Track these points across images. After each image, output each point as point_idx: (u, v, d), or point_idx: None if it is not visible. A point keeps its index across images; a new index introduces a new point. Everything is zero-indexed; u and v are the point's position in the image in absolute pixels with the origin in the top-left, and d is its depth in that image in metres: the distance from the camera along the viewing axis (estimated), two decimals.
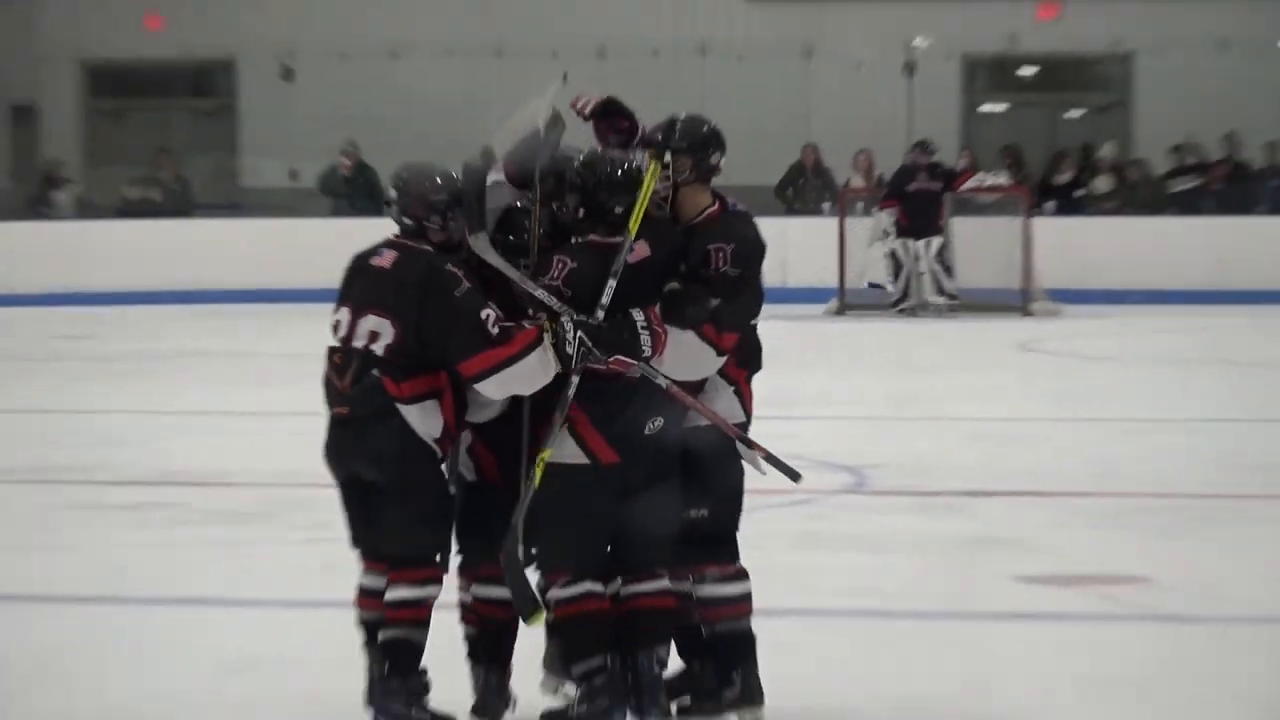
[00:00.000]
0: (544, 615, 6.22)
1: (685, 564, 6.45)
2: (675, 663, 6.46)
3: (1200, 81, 26.46)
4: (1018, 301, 22.41)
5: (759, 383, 6.60)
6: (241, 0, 28.20)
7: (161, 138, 28.04)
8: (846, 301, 22.87)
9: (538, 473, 6.18)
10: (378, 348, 6.17)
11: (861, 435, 13.51)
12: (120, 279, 24.31)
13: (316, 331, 6.29)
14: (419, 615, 6.28)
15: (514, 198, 6.39)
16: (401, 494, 6.24)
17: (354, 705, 6.37)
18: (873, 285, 22.77)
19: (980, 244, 22.76)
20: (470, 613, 6.48)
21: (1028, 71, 28.62)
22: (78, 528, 10.42)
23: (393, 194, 6.32)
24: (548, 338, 6.09)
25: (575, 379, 6.12)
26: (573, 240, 6.33)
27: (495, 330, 6.08)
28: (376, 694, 6.27)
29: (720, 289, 6.27)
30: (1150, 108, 27.44)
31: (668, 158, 6.34)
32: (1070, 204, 25.04)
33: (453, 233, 6.29)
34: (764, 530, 7.95)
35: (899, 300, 22.55)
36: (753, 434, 6.46)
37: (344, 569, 6.50)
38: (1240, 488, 11.48)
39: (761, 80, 26.57)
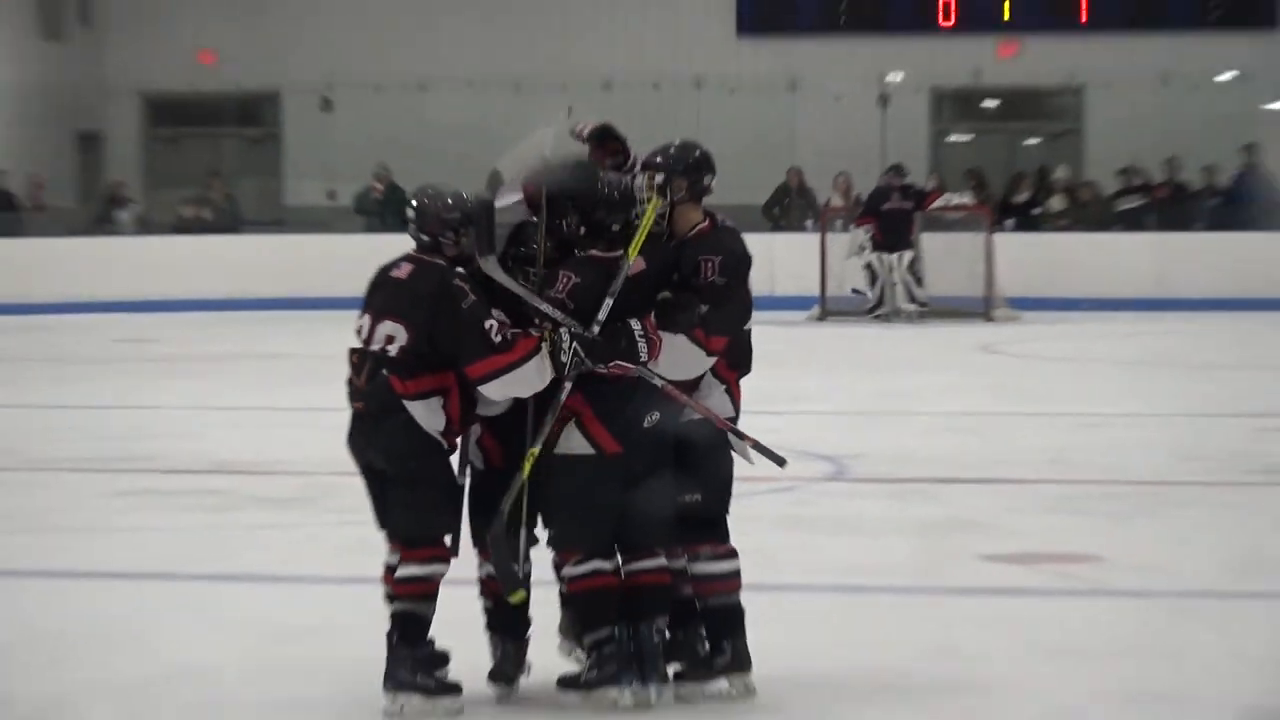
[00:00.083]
0: (525, 594, 6.27)
1: (681, 544, 6.47)
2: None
3: (1144, 112, 26.47)
4: (981, 308, 22.40)
5: (748, 380, 6.61)
6: (285, 38, 28.21)
7: (213, 162, 28.04)
8: (827, 309, 22.87)
9: (526, 466, 6.22)
10: (391, 349, 6.22)
11: (841, 429, 13.50)
12: (176, 289, 24.32)
13: (350, 336, 6.30)
14: (425, 590, 6.29)
15: (525, 214, 6.40)
16: (408, 481, 6.28)
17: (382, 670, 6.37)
18: (855, 291, 22.74)
19: (947, 257, 22.76)
20: (486, 586, 6.48)
21: (990, 103, 28.62)
22: (137, 512, 10.41)
23: (411, 213, 6.34)
24: (545, 347, 6.15)
25: (568, 385, 6.17)
26: (575, 254, 6.34)
27: (499, 338, 6.14)
28: (387, 661, 6.28)
29: (709, 297, 6.31)
30: (1099, 135, 27.44)
31: (659, 179, 6.36)
32: (1028, 221, 25.03)
33: (464, 248, 6.32)
34: (753, 514, 7.94)
35: (874, 307, 22.56)
36: (741, 426, 6.47)
37: (374, 548, 6.50)
38: (1182, 476, 11.46)
39: (750, 110, 26.57)
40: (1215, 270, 23.87)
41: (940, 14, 27.55)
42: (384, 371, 6.25)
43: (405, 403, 6.22)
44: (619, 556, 6.39)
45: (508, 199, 6.39)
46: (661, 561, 6.45)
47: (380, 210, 24.71)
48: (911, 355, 19.41)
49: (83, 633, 7.68)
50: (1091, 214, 25.46)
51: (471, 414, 6.33)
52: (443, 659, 6.34)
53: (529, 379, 6.15)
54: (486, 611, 6.49)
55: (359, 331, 6.30)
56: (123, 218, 26.48)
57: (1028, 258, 23.41)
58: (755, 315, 6.56)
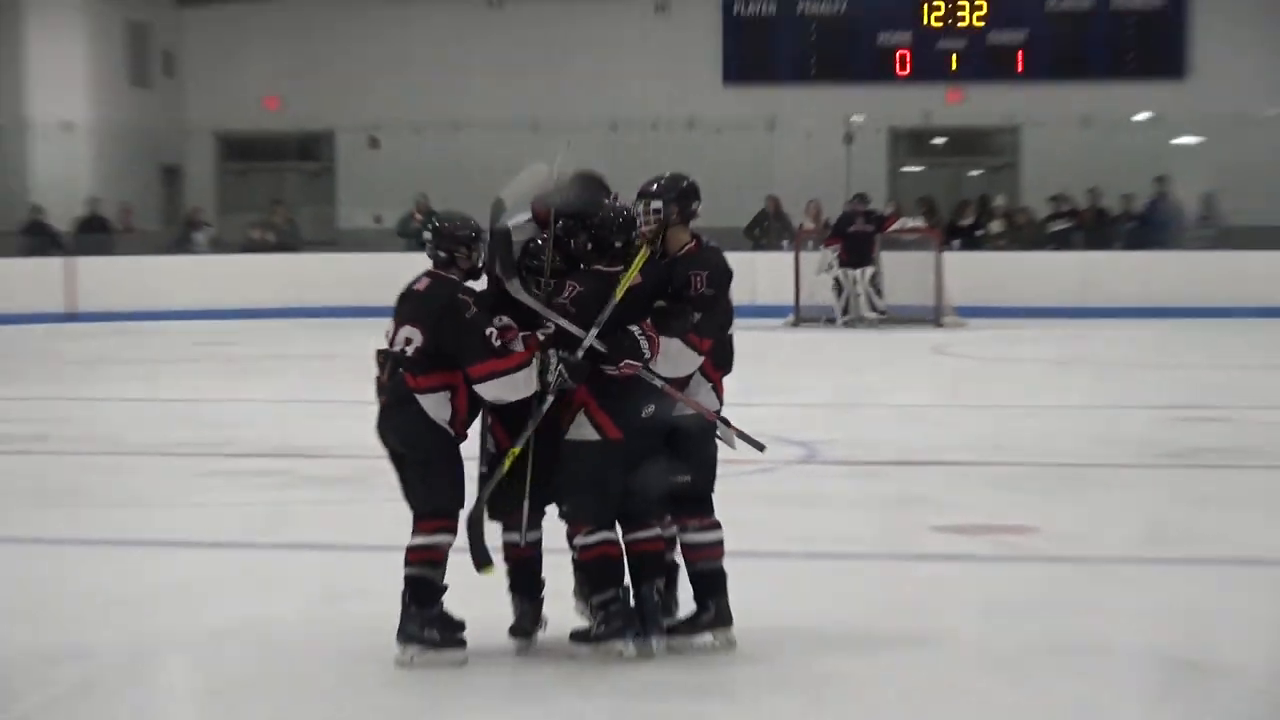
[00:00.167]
0: (494, 570, 6.28)
1: (673, 517, 6.48)
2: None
3: (1071, 148, 26.44)
4: (932, 316, 22.37)
5: (734, 377, 6.64)
6: (339, 86, 28.21)
7: (276, 192, 28.04)
8: (801, 316, 22.84)
9: (506, 463, 6.28)
10: (409, 350, 6.29)
11: (812, 418, 13.48)
12: (245, 299, 24.32)
13: (383, 340, 6.35)
14: (432, 557, 6.32)
15: (536, 233, 6.44)
16: (419, 463, 6.34)
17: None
18: (828, 320, 22.70)
19: (903, 272, 22.76)
20: (508, 552, 6.49)
21: (939, 141, 28.60)
22: (212, 490, 10.41)
23: (429, 235, 6.41)
24: (536, 362, 6.18)
25: (550, 398, 6.22)
26: (581, 268, 6.39)
27: (498, 344, 6.20)
28: (400, 618, 6.31)
29: (699, 305, 6.37)
30: (1032, 168, 27.42)
31: (657, 204, 6.40)
32: (971, 242, 25.01)
33: (475, 261, 6.40)
34: (735, 491, 7.93)
35: (837, 316, 22.53)
36: (726, 417, 6.48)
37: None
38: (1104, 458, 11.45)
39: (734, 147, 26.54)
40: (1132, 283, 23.86)
41: (897, 65, 27.54)
42: (401, 369, 6.31)
43: (417, 396, 6.29)
44: (620, 528, 6.41)
45: (520, 219, 6.45)
46: (657, 531, 6.49)
47: (419, 234, 24.72)
48: (872, 356, 19.41)
49: (165, 592, 7.73)
50: (1026, 235, 25.46)
51: (477, 408, 6.35)
52: (454, 621, 6.35)
53: (517, 385, 6.20)
54: (508, 574, 6.50)
55: (386, 335, 6.37)
56: (199, 239, 26.49)
57: (971, 273, 23.40)
58: (738, 322, 6.63)
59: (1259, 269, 23.76)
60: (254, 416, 14.00)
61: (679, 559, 6.57)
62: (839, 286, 22.65)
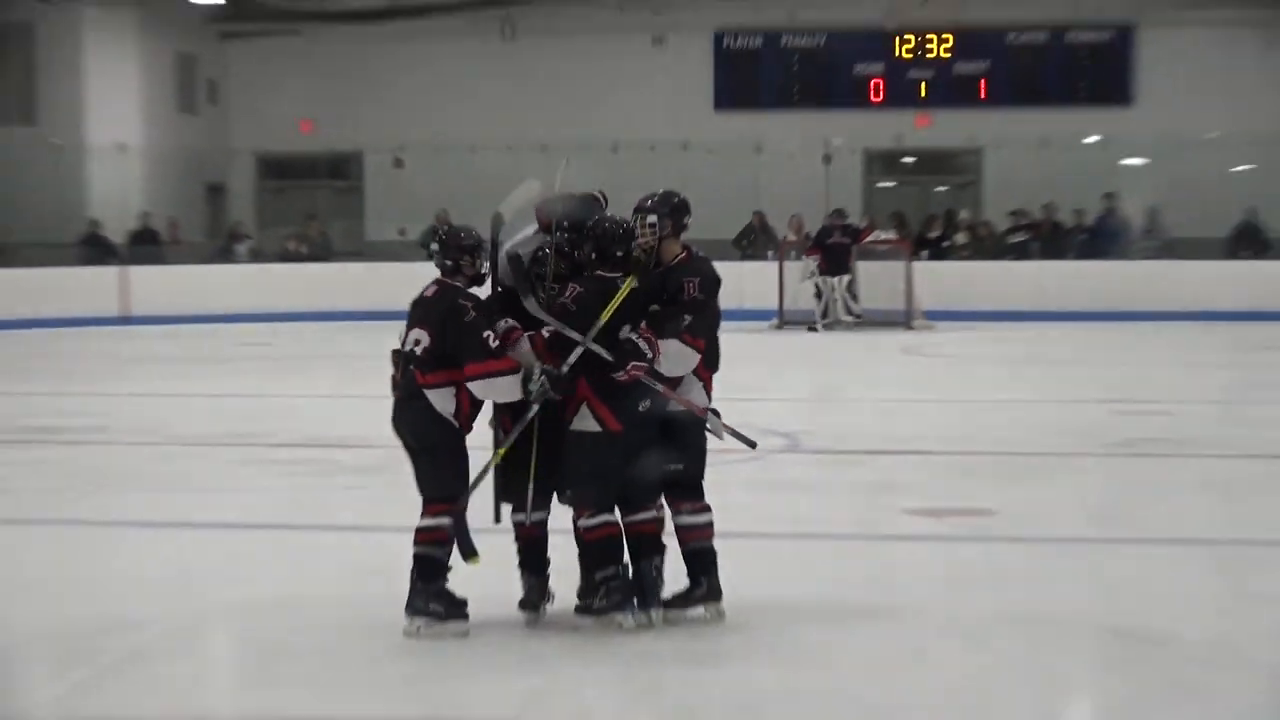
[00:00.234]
0: (479, 561, 6.26)
1: (667, 502, 6.50)
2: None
3: (1029, 167, 26.41)
4: (903, 320, 22.34)
5: (725, 374, 6.66)
6: (366, 112, 28.19)
7: (310, 207, 28.02)
8: (784, 319, 22.82)
9: (491, 464, 6.29)
10: (418, 350, 6.31)
11: (795, 412, 13.49)
12: (282, 304, 24.29)
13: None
14: (437, 538, 6.33)
15: (543, 242, 6.46)
16: (427, 453, 6.37)
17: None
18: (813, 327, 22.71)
19: (877, 280, 22.72)
20: (518, 532, 6.50)
21: (909, 160, 28.58)
22: (253, 477, 10.40)
23: (435, 246, 6.44)
24: (524, 371, 6.20)
25: (535, 407, 6.24)
26: (584, 273, 6.41)
27: (494, 347, 6.23)
28: (409, 593, 6.33)
29: (692, 309, 6.38)
30: (994, 185, 27.41)
31: (652, 218, 6.42)
32: (939, 252, 24.98)
33: (479, 269, 6.43)
34: (725, 478, 7.93)
35: (819, 319, 22.50)
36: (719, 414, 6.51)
37: None
38: (1056, 448, 11.44)
39: (725, 166, 26.52)
40: (1083, 289, 23.84)
41: (871, 92, 27.53)
42: (411, 367, 6.33)
43: (425, 392, 6.31)
44: (619, 511, 6.41)
45: (527, 231, 6.50)
46: (654, 513, 6.49)
47: None
48: (849, 356, 19.40)
49: (208, 569, 7.74)
50: (988, 246, 25.43)
51: (481, 403, 6.38)
52: (456, 598, 6.35)
53: (504, 389, 6.22)
54: (518, 552, 6.51)
55: (400, 337, 6.41)
56: (240, 250, 26.47)
57: (939, 280, 23.37)
58: (727, 325, 6.65)
59: (1197, 276, 23.76)
60: (290, 410, 14.00)
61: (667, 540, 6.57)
62: (819, 293, 22.63)
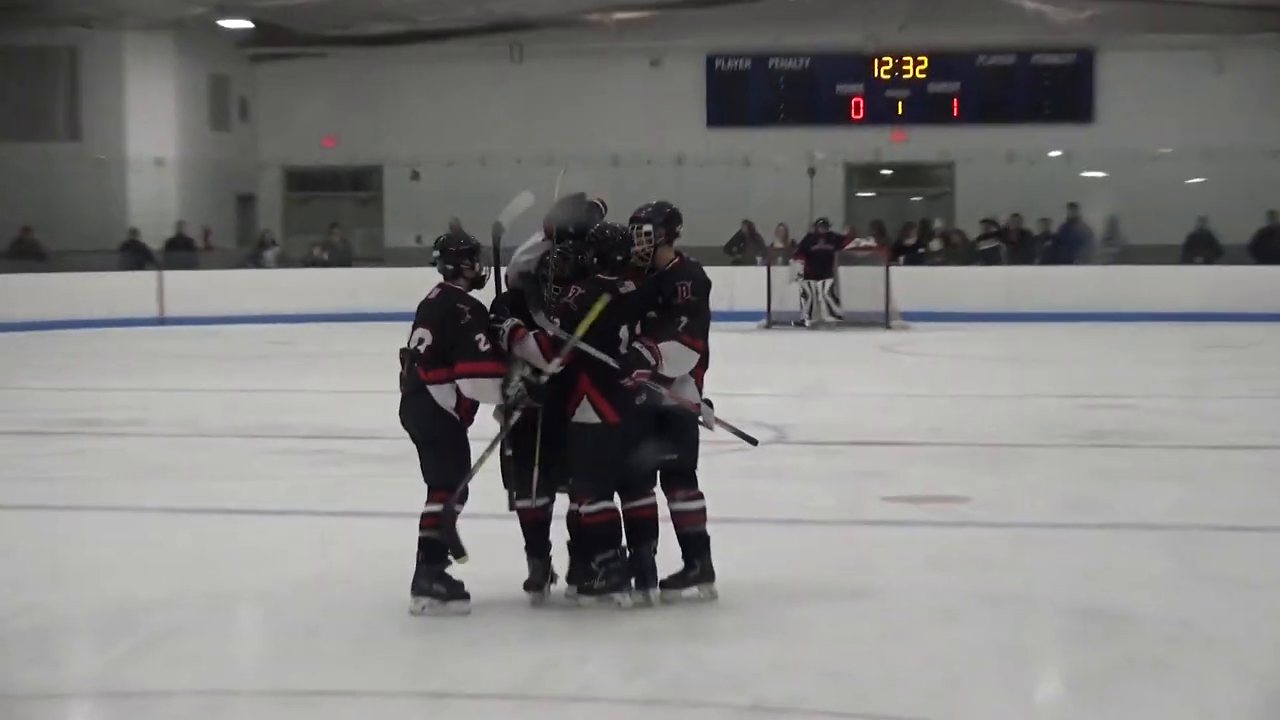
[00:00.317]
0: (469, 559, 6.24)
1: (663, 489, 6.47)
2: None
3: (997, 179, 26.36)
4: (882, 320, 22.27)
5: (717, 372, 6.64)
6: (386, 128, 28.12)
7: (333, 216, 27.91)
8: (772, 320, 22.76)
9: (477, 466, 6.27)
10: (421, 348, 6.31)
11: (782, 406, 13.44)
12: (306, 306, 24.20)
13: None
14: (437, 523, 6.28)
15: (549, 249, 6.42)
16: (429, 444, 6.36)
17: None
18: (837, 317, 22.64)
19: (857, 283, 22.67)
20: (523, 516, 6.46)
21: (887, 173, 28.53)
22: (280, 466, 10.38)
23: (436, 253, 6.43)
24: (508, 377, 6.20)
25: (517, 413, 6.23)
26: (586, 276, 6.37)
27: (483, 350, 6.21)
28: (415, 574, 6.31)
29: (687, 310, 6.37)
30: (965, 196, 27.33)
31: (648, 227, 6.41)
32: (915, 258, 24.91)
33: (478, 271, 6.42)
34: (717, 467, 7.87)
35: (804, 319, 22.47)
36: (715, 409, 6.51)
37: None
38: (1026, 439, 11.41)
39: (716, 179, 26.49)
40: (1049, 292, 23.79)
41: (852, 110, 27.45)
42: (416, 364, 6.31)
43: (428, 387, 6.30)
44: (618, 498, 6.37)
45: (535, 239, 6.47)
46: (651, 500, 6.46)
47: None
48: (832, 353, 19.36)
49: (237, 552, 7.70)
50: (960, 252, 25.38)
51: None
52: (456, 581, 6.31)
53: (486, 390, 6.23)
54: (524, 536, 6.48)
55: (408, 336, 6.39)
56: (268, 256, 26.42)
57: (915, 284, 23.30)
58: (718, 325, 6.66)
59: (1154, 280, 23.72)
60: (312, 404, 13.95)
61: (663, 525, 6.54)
62: (804, 295, 22.59)
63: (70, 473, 10.21)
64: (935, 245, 25.34)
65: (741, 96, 27.70)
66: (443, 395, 6.28)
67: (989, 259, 25.06)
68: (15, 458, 10.90)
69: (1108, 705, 5.23)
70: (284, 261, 26.44)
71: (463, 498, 6.27)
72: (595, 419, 6.25)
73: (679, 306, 6.34)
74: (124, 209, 26.12)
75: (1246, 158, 25.39)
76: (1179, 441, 11.31)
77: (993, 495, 9.05)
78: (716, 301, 6.52)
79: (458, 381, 6.21)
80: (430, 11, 26.30)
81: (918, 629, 6.16)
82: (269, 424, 12.39)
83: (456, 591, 6.29)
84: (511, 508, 6.38)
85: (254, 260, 26.39)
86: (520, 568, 6.46)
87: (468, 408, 6.32)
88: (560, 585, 6.47)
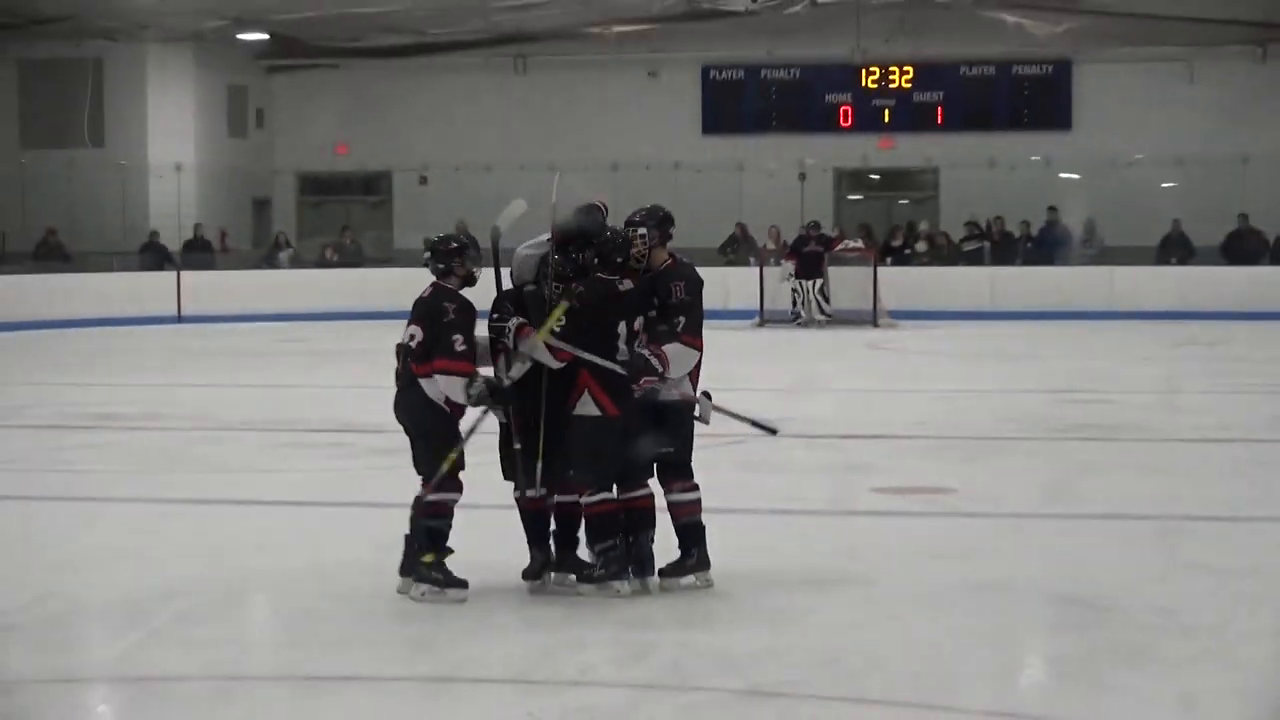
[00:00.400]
0: (433, 556, 6.21)
1: (660, 481, 6.42)
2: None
3: (980, 184, 26.34)
4: (870, 319, 22.22)
5: (712, 368, 6.60)
6: (395, 135, 28.07)
7: (344, 219, 27.91)
8: (765, 318, 22.71)
9: (446, 465, 6.20)
10: (413, 344, 6.30)
11: (774, 401, 13.34)
12: (318, 304, 24.13)
13: None
14: (439, 511, 6.25)
15: (551, 250, 6.40)
16: (421, 436, 6.35)
17: (456, 569, 6.26)
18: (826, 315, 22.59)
19: (846, 283, 22.64)
20: (521, 506, 6.42)
21: (874, 178, 28.47)
22: (288, 459, 10.33)
23: (427, 255, 6.41)
24: (473, 378, 6.18)
25: (485, 411, 6.24)
26: (586, 275, 6.34)
27: (458, 350, 6.20)
28: (406, 554, 6.28)
29: (682, 309, 6.36)
30: (950, 200, 27.27)
31: (642, 230, 6.41)
32: (901, 259, 24.87)
33: (469, 269, 6.39)
34: (713, 459, 7.81)
35: (794, 317, 22.43)
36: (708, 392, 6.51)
37: None
38: (1009, 433, 11.36)
39: (711, 183, 26.46)
40: (1029, 292, 23.76)
41: (841, 118, 27.38)
42: (408, 359, 6.30)
43: (420, 381, 6.27)
44: (617, 489, 6.32)
45: (536, 240, 6.45)
46: (649, 490, 6.42)
47: None
48: (822, 350, 19.30)
49: (248, 541, 7.65)
50: (945, 253, 25.33)
51: None
52: (459, 578, 6.26)
53: (455, 389, 6.19)
54: (523, 526, 6.44)
55: (404, 332, 6.38)
56: (282, 257, 26.36)
57: (901, 284, 23.27)
58: (713, 323, 6.67)
59: (1130, 280, 23.69)
60: (326, 399, 13.88)
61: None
62: (795, 295, 22.55)
63: (88, 465, 10.15)
64: (921, 247, 25.29)
65: (735, 105, 27.65)
66: (434, 389, 6.26)
67: (972, 260, 25.03)
68: (36, 450, 10.85)
69: (1090, 690, 5.17)
70: (297, 262, 26.39)
71: (446, 488, 6.19)
72: (596, 412, 6.22)
73: (674, 306, 6.33)
74: (145, 212, 26.09)
75: (1217, 164, 25.37)
76: (1156, 435, 11.25)
77: (977, 486, 8.99)
78: (711, 301, 6.51)
79: (435, 376, 6.18)
80: (438, 25, 26.25)
81: (906, 616, 6.10)
82: (282, 418, 12.32)
83: (453, 580, 6.23)
84: (522, 499, 6.31)
85: (268, 261, 26.34)
86: (519, 557, 6.40)
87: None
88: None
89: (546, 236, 6.40)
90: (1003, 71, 27.15)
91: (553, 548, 6.41)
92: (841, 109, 27.38)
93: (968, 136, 26.84)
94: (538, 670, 5.42)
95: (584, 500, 6.29)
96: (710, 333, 6.48)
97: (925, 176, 27.90)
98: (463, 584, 6.23)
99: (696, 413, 6.47)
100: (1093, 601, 6.24)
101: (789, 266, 22.63)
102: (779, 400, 13.48)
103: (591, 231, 6.33)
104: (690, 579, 6.42)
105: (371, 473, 9.62)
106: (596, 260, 6.31)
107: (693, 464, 6.48)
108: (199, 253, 25.53)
